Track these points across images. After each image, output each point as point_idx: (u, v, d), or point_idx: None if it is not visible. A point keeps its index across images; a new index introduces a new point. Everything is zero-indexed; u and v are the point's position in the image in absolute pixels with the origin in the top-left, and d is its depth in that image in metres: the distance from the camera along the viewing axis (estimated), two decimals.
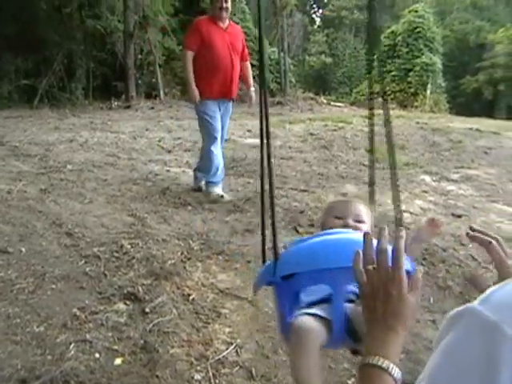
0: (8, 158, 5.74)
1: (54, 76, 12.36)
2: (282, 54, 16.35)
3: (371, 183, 1.89)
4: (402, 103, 18.92)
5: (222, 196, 4.45)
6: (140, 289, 2.71)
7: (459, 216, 4.37)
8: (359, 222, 1.47)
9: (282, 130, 8.59)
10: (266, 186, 1.47)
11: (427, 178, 5.70)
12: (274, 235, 1.38)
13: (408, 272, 0.98)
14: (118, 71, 13.31)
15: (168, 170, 5.58)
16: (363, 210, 1.51)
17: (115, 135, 7.74)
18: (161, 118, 10.37)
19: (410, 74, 19.73)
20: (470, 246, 3.52)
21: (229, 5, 4.34)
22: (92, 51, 13.17)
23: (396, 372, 0.76)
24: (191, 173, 5.56)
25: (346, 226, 1.43)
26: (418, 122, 9.80)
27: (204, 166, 4.59)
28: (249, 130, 8.76)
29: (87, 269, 2.96)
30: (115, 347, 2.20)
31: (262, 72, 1.50)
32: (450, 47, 27.01)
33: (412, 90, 19.40)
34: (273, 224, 1.40)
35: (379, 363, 0.76)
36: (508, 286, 0.49)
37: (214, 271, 3.03)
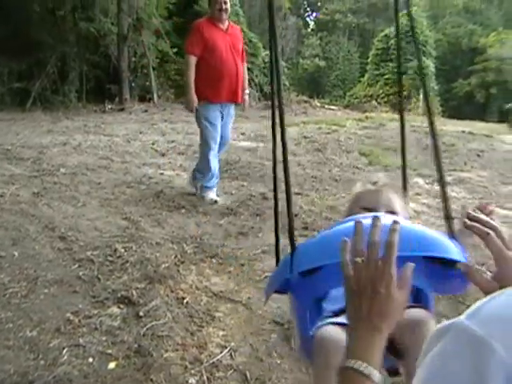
0: (0, 162, 5.70)
1: (47, 79, 12.30)
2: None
3: (404, 169, 1.64)
4: (395, 106, 18.99)
5: (215, 201, 4.43)
6: (134, 292, 2.70)
7: (452, 218, 4.39)
8: (392, 213, 1.24)
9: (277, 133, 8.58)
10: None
11: (420, 181, 5.73)
12: (291, 222, 1.13)
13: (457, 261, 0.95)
14: (112, 74, 13.28)
15: (162, 173, 5.57)
16: (396, 200, 1.30)
17: (109, 138, 7.72)
18: (154, 120, 10.35)
19: (403, 77, 19.80)
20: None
21: (228, 6, 4.31)
22: (85, 54, 13.12)
23: (377, 377, 0.73)
24: (185, 176, 5.56)
25: None
26: (411, 125, 9.83)
27: (201, 169, 4.56)
28: (243, 133, 8.76)
29: (80, 273, 2.94)
30: (109, 351, 2.19)
31: (278, 80, 1.25)
32: (442, 51, 27.15)
33: (405, 93, 19.48)
34: (288, 210, 1.19)
35: (361, 368, 0.72)
36: (495, 299, 0.48)
37: (208, 274, 3.03)
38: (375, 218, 0.83)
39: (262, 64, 16.71)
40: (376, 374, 0.72)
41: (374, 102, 19.82)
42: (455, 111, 21.92)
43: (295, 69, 31.16)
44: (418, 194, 5.20)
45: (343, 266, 0.81)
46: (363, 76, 23.92)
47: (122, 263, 3.08)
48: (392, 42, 20.72)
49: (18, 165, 5.61)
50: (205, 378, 2.02)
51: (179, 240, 3.52)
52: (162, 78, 14.67)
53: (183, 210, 4.23)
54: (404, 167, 1.70)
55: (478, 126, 11.35)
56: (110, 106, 12.34)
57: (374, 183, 1.31)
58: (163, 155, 6.65)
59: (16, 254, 3.14)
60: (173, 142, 7.60)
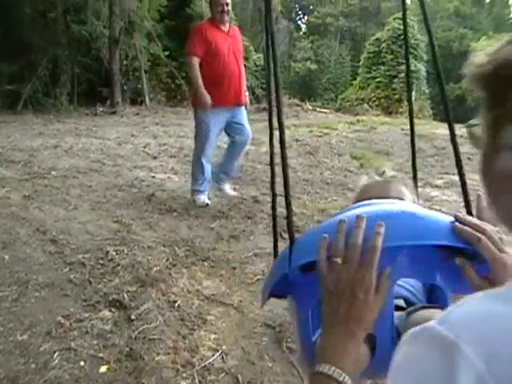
0: None
1: (39, 81, 12.26)
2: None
3: (414, 162, 1.53)
4: (386, 109, 19.10)
5: (207, 204, 4.42)
6: (125, 296, 2.70)
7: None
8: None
9: (268, 136, 8.60)
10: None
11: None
12: (289, 206, 1.01)
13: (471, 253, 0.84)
14: (104, 77, 13.26)
15: (153, 177, 5.56)
16: (406, 193, 1.18)
17: (100, 141, 7.70)
18: (146, 123, 10.34)
19: (395, 80, 19.91)
20: None
21: (229, 7, 4.30)
22: (77, 56, 13.09)
23: (346, 381, 0.70)
24: (177, 179, 5.56)
25: None
26: (402, 129, 9.88)
27: (192, 173, 4.56)
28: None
29: (72, 276, 2.94)
30: (100, 355, 2.18)
31: (277, 86, 1.17)
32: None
33: (397, 97, 19.59)
34: (286, 197, 1.04)
35: (335, 374, 0.70)
36: (465, 304, 0.49)
37: (200, 278, 3.03)
38: (359, 218, 0.78)
39: (253, 67, 16.75)
40: (349, 381, 0.70)
41: (365, 105, 19.88)
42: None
43: (287, 72, 31.23)
44: None
45: (319, 263, 0.78)
46: (355, 79, 24.00)
47: (114, 266, 3.08)
48: (383, 45, 20.84)
49: (8, 168, 5.59)
50: (197, 381, 2.02)
51: (171, 243, 3.52)
52: (154, 81, 14.66)
53: (175, 213, 4.23)
54: (414, 159, 1.55)
55: None
56: (101, 109, 12.31)
57: (382, 173, 1.17)
58: (155, 158, 6.64)
59: (6, 257, 3.13)
60: (164, 145, 7.59)
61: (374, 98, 20.25)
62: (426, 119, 17.08)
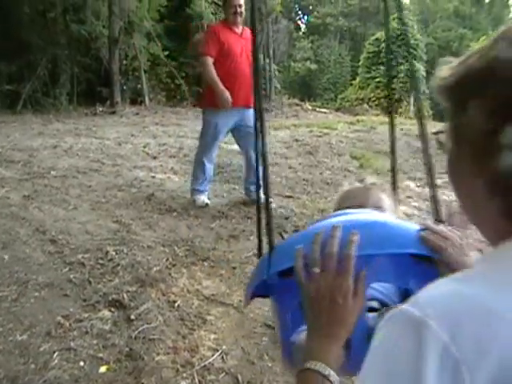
0: None
1: (38, 81, 12.24)
2: (267, 61, 16.41)
3: (393, 169, 1.56)
4: (386, 109, 19.09)
5: (206, 204, 4.41)
6: (125, 296, 2.70)
7: (443, 221, 4.43)
8: (378, 207, 1.19)
9: (267, 136, 8.60)
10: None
11: (411, 184, 5.77)
12: (269, 218, 1.08)
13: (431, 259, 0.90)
14: (103, 77, 13.24)
15: (153, 177, 5.56)
16: (385, 200, 1.22)
17: (100, 141, 7.69)
18: (146, 123, 10.33)
19: (394, 80, 19.94)
20: None
21: (243, 9, 4.26)
22: (76, 56, 13.07)
23: (336, 378, 0.76)
24: (176, 179, 5.56)
25: None
26: (402, 129, 9.89)
27: (194, 172, 4.54)
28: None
29: (71, 276, 2.94)
30: (100, 355, 2.18)
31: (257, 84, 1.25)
32: (433, 55, 27.37)
33: (396, 97, 19.61)
34: (266, 205, 1.14)
35: (321, 369, 0.76)
36: (432, 287, 0.54)
37: (200, 277, 3.03)
38: (334, 228, 0.84)
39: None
40: (335, 375, 0.76)
41: (365, 105, 19.92)
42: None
43: (286, 72, 31.24)
44: (408, 196, 5.23)
45: (297, 273, 0.84)
46: (354, 79, 24.05)
47: (113, 266, 3.08)
48: (383, 45, 20.86)
49: (8, 167, 5.58)
50: (196, 381, 2.03)
51: (170, 243, 3.52)
52: (154, 81, 14.65)
53: (174, 213, 4.23)
54: (394, 168, 1.59)
55: None
56: (101, 109, 12.29)
57: (362, 180, 1.34)
58: (154, 158, 6.64)
59: (6, 257, 3.13)
60: (164, 145, 7.58)
61: (374, 98, 20.29)
62: (425, 119, 17.04)
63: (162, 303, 2.66)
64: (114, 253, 3.27)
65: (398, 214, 1.27)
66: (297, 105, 16.67)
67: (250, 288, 1.05)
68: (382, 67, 20.56)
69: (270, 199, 4.25)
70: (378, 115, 16.77)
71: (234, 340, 2.35)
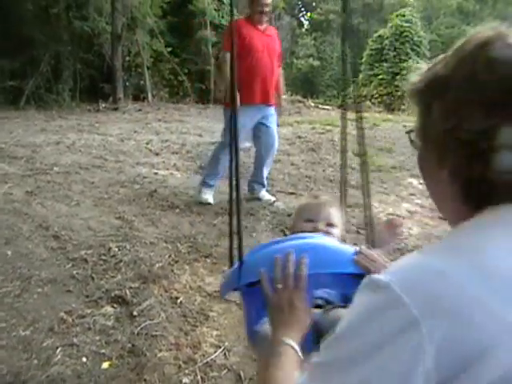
0: None
1: (41, 77, 12.24)
2: None
3: (343, 186, 1.87)
4: (389, 106, 19.06)
5: (209, 203, 4.35)
6: (128, 292, 2.70)
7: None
8: (330, 225, 1.43)
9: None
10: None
11: (414, 181, 5.75)
12: (240, 240, 1.34)
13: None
14: (106, 73, 13.24)
15: (156, 173, 5.56)
16: (335, 214, 1.46)
17: (102, 137, 7.70)
18: (148, 120, 10.33)
19: (397, 77, 19.87)
20: None
21: (269, 9, 4.19)
22: (79, 52, 13.06)
23: (300, 353, 0.97)
24: (179, 175, 5.56)
25: (316, 229, 1.39)
26: (405, 126, 9.87)
27: (208, 165, 4.48)
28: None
29: (74, 272, 2.94)
30: (102, 351, 2.19)
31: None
32: (436, 51, 27.29)
33: (399, 94, 19.53)
34: (238, 230, 1.41)
35: (292, 344, 0.98)
36: (400, 260, 0.66)
37: (202, 274, 3.03)
38: (288, 254, 1.10)
39: None
40: (299, 350, 0.98)
41: (367, 102, 19.86)
42: None
43: (289, 69, 31.17)
44: (411, 194, 5.22)
45: (263, 289, 1.11)
46: (357, 76, 23.99)
47: (116, 262, 3.08)
48: (386, 42, 20.79)
49: (11, 163, 5.59)
50: (199, 377, 2.03)
51: (173, 239, 3.52)
52: (156, 78, 14.64)
53: (177, 210, 4.23)
54: (343, 183, 1.95)
55: None
56: (103, 105, 12.30)
57: (317, 197, 1.65)
58: (157, 155, 6.64)
59: (9, 253, 3.13)
60: (167, 141, 7.58)
61: (377, 95, 20.22)
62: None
63: (165, 299, 2.66)
64: (116, 249, 3.27)
65: (344, 225, 1.52)
66: (299, 101, 16.62)
67: (223, 290, 1.41)
68: (385, 64, 20.50)
69: (274, 198, 4.23)
70: (380, 112, 16.73)
71: (237, 336, 2.36)
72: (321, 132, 9.05)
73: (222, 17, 15.80)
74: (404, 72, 19.74)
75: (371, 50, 21.66)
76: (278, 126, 4.66)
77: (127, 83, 13.63)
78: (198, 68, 15.10)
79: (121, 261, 3.10)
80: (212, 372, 2.07)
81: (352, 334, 0.62)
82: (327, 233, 1.39)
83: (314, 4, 37.49)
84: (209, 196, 4.42)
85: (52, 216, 3.88)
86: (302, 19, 39.26)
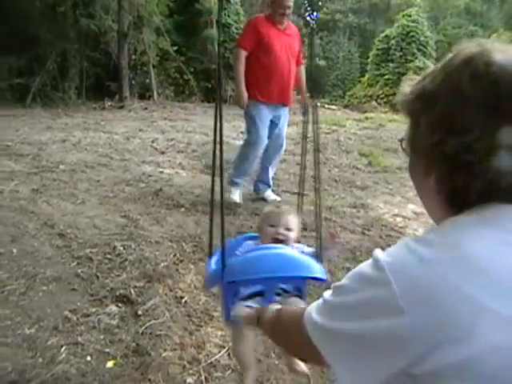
0: (0, 158, 5.70)
1: (47, 75, 12.29)
2: None
3: (300, 193, 2.29)
4: (395, 107, 18.99)
5: (238, 204, 4.23)
6: (132, 291, 2.70)
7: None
8: (288, 229, 1.71)
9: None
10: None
11: None
12: (223, 247, 1.57)
13: (321, 280, 1.57)
14: (112, 71, 13.28)
15: (161, 172, 5.57)
16: (292, 220, 1.74)
17: (108, 135, 7.72)
18: (154, 118, 10.35)
19: (403, 78, 19.80)
20: None
21: (291, 10, 4.12)
22: (86, 51, 13.11)
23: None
24: (184, 174, 5.56)
25: (277, 232, 1.69)
26: None
27: (235, 164, 4.42)
28: (242, 132, 8.75)
29: (79, 270, 2.94)
30: (107, 350, 2.19)
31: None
32: (443, 52, 27.17)
33: None
34: (222, 236, 1.64)
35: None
36: (402, 242, 0.73)
37: None
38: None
39: None
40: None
41: (373, 102, 19.80)
42: None
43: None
44: (417, 195, 5.19)
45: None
46: (363, 76, 23.90)
47: (121, 261, 3.08)
48: (393, 42, 20.73)
49: (17, 161, 5.61)
50: (203, 377, 2.02)
51: (178, 239, 3.51)
52: (162, 76, 14.67)
53: (182, 209, 4.23)
54: (301, 193, 2.29)
55: None
56: (109, 103, 12.33)
57: (279, 207, 1.84)
58: (163, 153, 6.65)
59: (15, 250, 3.14)
60: (172, 140, 7.59)
61: (383, 95, 20.16)
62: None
63: (169, 299, 2.66)
64: (121, 248, 3.27)
65: (299, 229, 1.80)
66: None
67: (209, 285, 1.76)
68: (391, 64, 20.44)
69: (279, 198, 4.21)
70: (386, 112, 16.69)
71: None
72: (326, 132, 9.04)
73: (229, 16, 15.80)
74: (410, 72, 19.68)
75: (377, 49, 21.60)
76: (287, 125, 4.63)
77: (133, 81, 13.66)
78: (203, 67, 15.11)
79: (126, 260, 3.10)
80: (216, 372, 2.07)
81: (350, 290, 0.74)
82: (285, 236, 1.69)
83: (320, 3, 37.37)
84: (237, 194, 4.34)
85: (57, 214, 3.89)
86: (308, 18, 39.13)
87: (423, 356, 0.64)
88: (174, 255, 3.22)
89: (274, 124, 4.37)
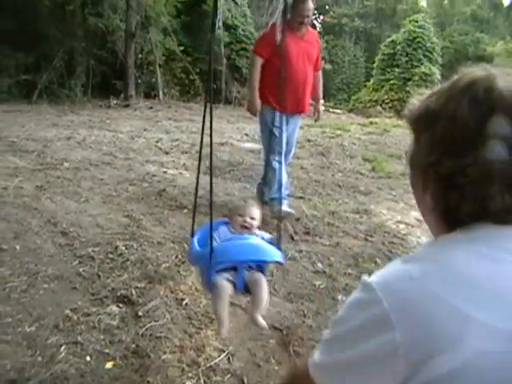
0: (5, 154, 5.72)
1: (54, 72, 12.33)
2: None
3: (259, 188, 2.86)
4: (399, 112, 18.98)
5: (289, 213, 3.99)
6: (133, 292, 2.70)
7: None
8: (252, 219, 2.14)
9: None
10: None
11: None
12: (211, 236, 1.89)
13: (280, 262, 2.11)
14: (118, 70, 13.31)
15: (165, 172, 5.57)
16: (255, 211, 2.18)
17: (113, 134, 7.73)
18: (159, 118, 10.36)
19: (409, 83, 19.77)
20: None
21: (310, 19, 4.01)
22: (93, 49, 13.14)
23: None
24: (188, 175, 5.57)
25: (244, 221, 2.11)
26: None
27: (268, 181, 4.24)
28: (246, 134, 8.76)
29: (81, 269, 2.95)
30: (106, 351, 2.19)
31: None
32: (448, 58, 27.11)
33: (409, 100, 19.44)
34: (211, 226, 1.90)
35: None
36: (390, 265, 0.76)
37: None
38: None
39: None
40: None
41: (378, 107, 19.78)
42: None
43: None
44: None
45: None
46: (368, 81, 23.87)
47: (123, 261, 3.08)
48: (399, 47, 20.70)
49: (22, 157, 5.63)
50: (202, 381, 2.02)
51: (180, 240, 3.51)
52: (168, 76, 14.69)
53: (185, 210, 4.23)
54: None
55: None
56: (115, 102, 12.36)
57: (245, 200, 2.34)
58: (167, 153, 6.65)
59: (18, 247, 3.15)
60: (177, 140, 7.60)
61: (388, 101, 20.13)
62: None
63: (170, 301, 2.66)
64: (123, 248, 3.27)
65: (260, 219, 2.21)
66: (310, 105, 16.57)
67: (192, 262, 2.27)
68: (396, 69, 20.41)
69: (290, 210, 4.06)
70: (391, 117, 16.67)
71: (241, 341, 2.34)
72: (331, 136, 9.04)
73: (235, 17, 15.82)
74: (416, 78, 19.66)
75: (383, 54, 21.58)
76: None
77: (139, 81, 13.69)
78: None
79: (127, 260, 3.11)
80: (215, 376, 2.06)
81: (343, 320, 0.77)
82: (250, 224, 2.12)
83: (326, 7, 37.39)
84: (284, 207, 3.95)
85: (61, 212, 3.90)
86: (315, 22, 39.14)
87: (418, 368, 0.66)
88: (176, 256, 3.22)
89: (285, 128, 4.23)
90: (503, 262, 0.70)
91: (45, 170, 5.11)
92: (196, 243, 2.05)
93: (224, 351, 2.23)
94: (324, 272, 3.19)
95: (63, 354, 2.14)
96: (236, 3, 15.88)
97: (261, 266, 2.05)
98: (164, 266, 3.06)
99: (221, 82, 15.08)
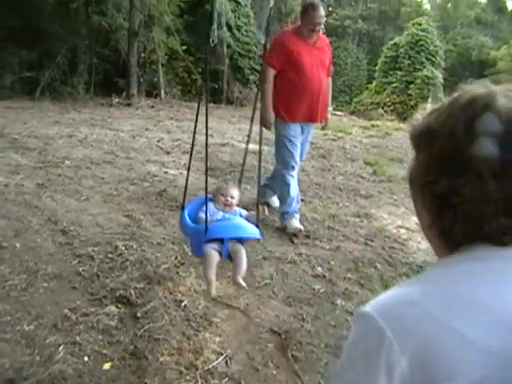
0: (7, 150, 5.72)
1: (57, 69, 12.32)
2: None
3: (240, 179, 3.26)
4: (401, 115, 18.98)
5: (300, 230, 3.93)
6: (132, 292, 2.70)
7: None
8: (232, 197, 2.64)
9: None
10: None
11: None
12: (206, 219, 2.36)
13: (258, 238, 2.60)
14: (121, 68, 13.30)
15: (166, 172, 5.56)
16: (234, 192, 2.69)
17: (114, 133, 7.72)
18: (161, 117, 10.35)
19: (411, 86, 19.79)
20: None
21: (321, 26, 3.88)
22: (96, 47, 13.13)
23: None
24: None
25: (226, 200, 2.63)
26: None
27: (279, 194, 4.22)
28: (248, 135, 8.74)
29: (80, 269, 2.95)
30: (104, 351, 2.19)
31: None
32: (451, 61, 27.10)
33: (412, 103, 19.45)
34: (206, 203, 2.41)
35: None
36: (388, 292, 0.74)
37: None
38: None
39: None
40: None
41: (380, 109, 19.79)
42: None
43: None
44: None
45: None
46: (370, 83, 23.88)
47: (122, 262, 3.09)
48: (401, 50, 20.70)
49: (24, 155, 5.63)
50: None
51: (180, 241, 3.51)
52: (170, 75, 14.68)
53: None
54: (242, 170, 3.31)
55: None
56: (117, 100, 12.35)
57: (226, 182, 2.43)
58: (168, 153, 6.64)
59: (18, 245, 3.15)
60: (178, 140, 7.59)
61: (390, 103, 20.14)
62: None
63: (169, 302, 2.66)
64: (123, 248, 3.27)
65: (239, 197, 2.74)
66: None
67: (184, 234, 2.75)
68: (399, 72, 20.41)
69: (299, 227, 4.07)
70: (392, 120, 16.67)
71: (239, 344, 2.35)
72: (332, 139, 9.03)
73: (238, 18, 15.82)
74: (418, 81, 19.66)
75: (386, 57, 21.58)
76: None
77: (141, 79, 13.67)
78: (211, 67, 15.10)
79: (127, 260, 3.11)
80: (213, 379, 2.06)
81: (347, 356, 0.74)
82: (231, 203, 2.64)
83: (330, 9, 37.40)
84: (296, 223, 4.01)
85: (61, 210, 3.90)
86: None
87: None
88: (176, 258, 3.22)
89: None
90: (504, 284, 0.70)
91: (46, 168, 5.11)
92: (187, 217, 2.55)
93: (222, 354, 2.24)
94: (324, 276, 3.19)
95: (61, 354, 2.15)
96: (239, 3, 15.88)
97: (241, 239, 2.50)
98: (163, 266, 3.06)
99: (222, 83, 15.07)
